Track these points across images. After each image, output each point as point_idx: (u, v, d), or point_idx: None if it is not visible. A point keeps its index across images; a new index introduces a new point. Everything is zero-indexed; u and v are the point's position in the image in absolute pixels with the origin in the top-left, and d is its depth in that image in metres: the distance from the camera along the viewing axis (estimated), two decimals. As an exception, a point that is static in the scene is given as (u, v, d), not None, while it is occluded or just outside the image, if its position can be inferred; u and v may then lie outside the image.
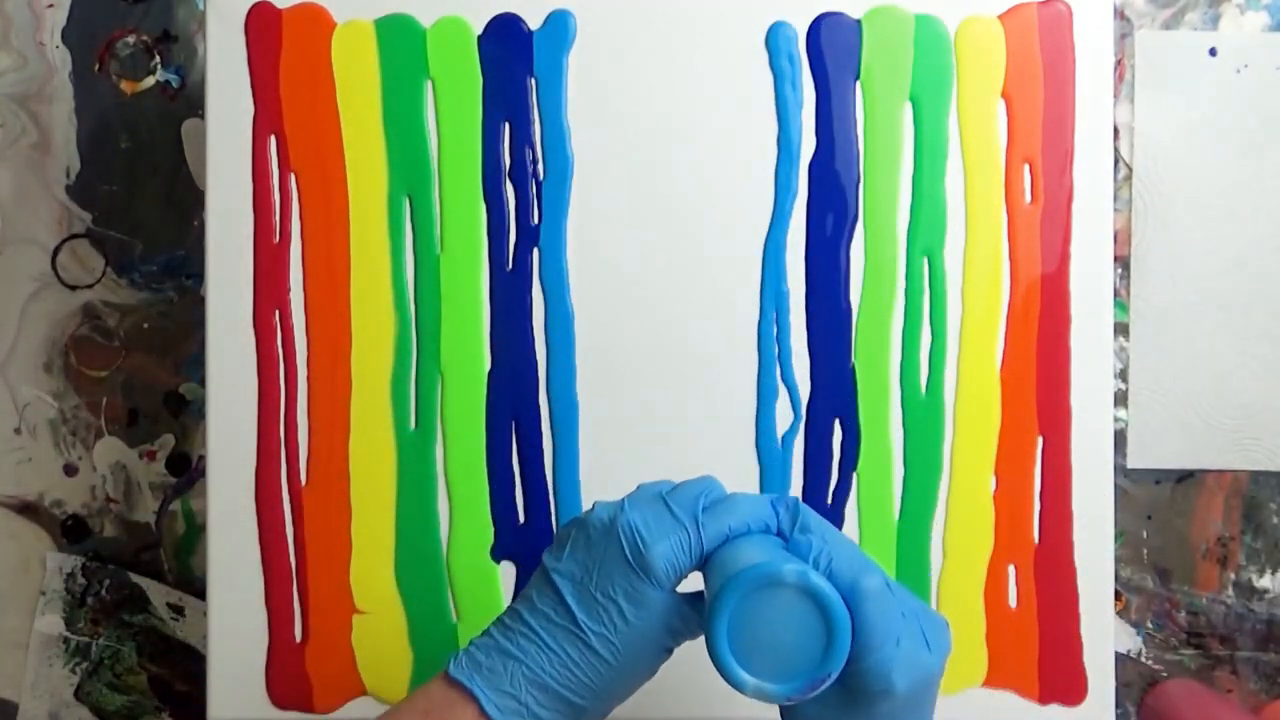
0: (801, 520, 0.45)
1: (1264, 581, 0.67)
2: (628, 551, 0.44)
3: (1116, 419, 0.64)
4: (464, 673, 0.45)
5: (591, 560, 0.44)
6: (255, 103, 0.60)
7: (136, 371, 0.68)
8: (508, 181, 0.60)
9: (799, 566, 0.41)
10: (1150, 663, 0.67)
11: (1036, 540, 0.60)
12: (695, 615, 0.45)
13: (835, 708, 0.43)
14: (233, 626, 0.59)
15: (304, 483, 0.60)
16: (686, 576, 0.45)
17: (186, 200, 0.67)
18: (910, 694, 0.42)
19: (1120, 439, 0.65)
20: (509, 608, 0.46)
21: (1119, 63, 0.66)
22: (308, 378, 0.60)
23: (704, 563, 0.45)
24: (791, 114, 0.60)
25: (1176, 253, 0.66)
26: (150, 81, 0.68)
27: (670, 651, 0.46)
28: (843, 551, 0.44)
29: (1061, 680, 0.59)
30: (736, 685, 0.41)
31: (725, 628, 0.41)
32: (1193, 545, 0.67)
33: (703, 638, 0.43)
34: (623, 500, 0.46)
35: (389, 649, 0.60)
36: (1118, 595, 0.65)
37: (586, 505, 0.60)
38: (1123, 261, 0.66)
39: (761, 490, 0.60)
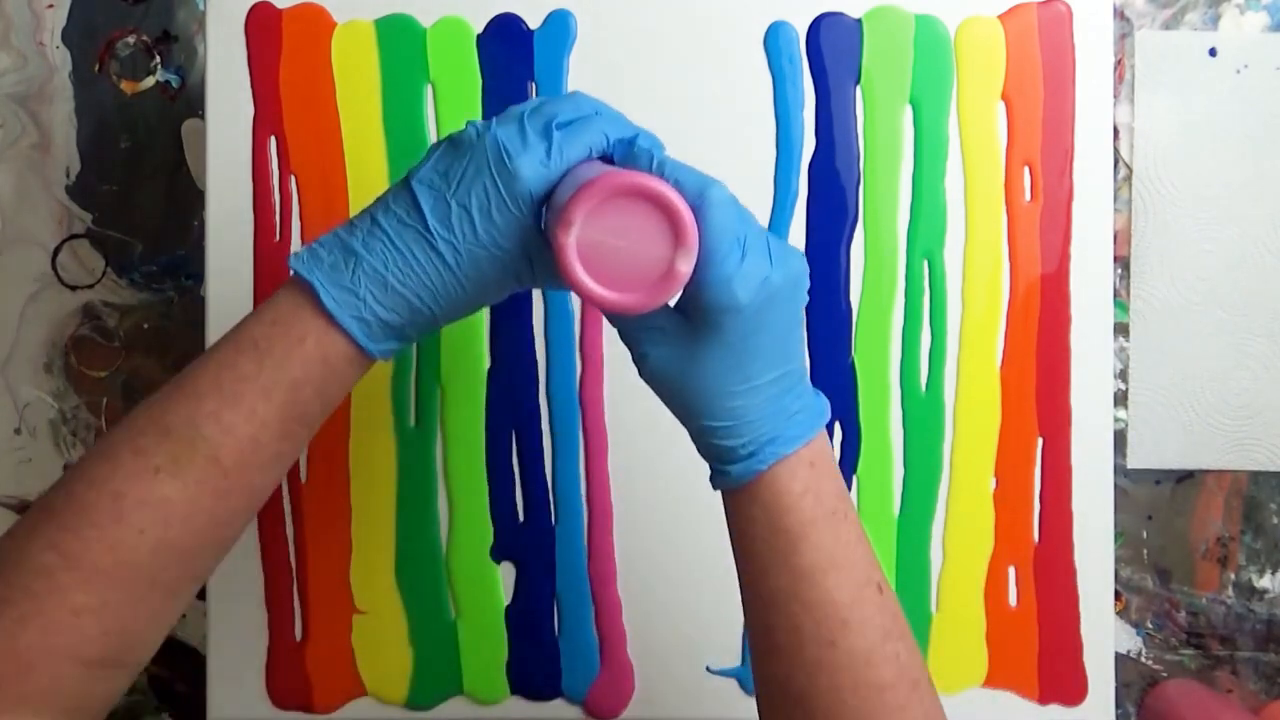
0: (653, 143, 0.44)
1: (1264, 581, 0.67)
2: (492, 163, 0.42)
3: (1116, 419, 0.64)
4: (304, 266, 0.44)
5: (454, 170, 0.43)
6: (255, 103, 0.60)
7: (136, 372, 0.68)
8: (508, 181, 0.60)
9: (645, 174, 0.41)
10: (1150, 663, 0.67)
11: (1036, 540, 0.60)
12: (548, 246, 0.43)
13: (683, 340, 0.42)
14: (233, 626, 0.59)
15: (303, 482, 0.60)
16: (544, 197, 0.43)
17: (186, 200, 0.67)
18: (754, 309, 0.41)
19: (1120, 439, 0.65)
20: (360, 212, 0.45)
21: (1119, 63, 0.66)
22: (308, 378, 0.60)
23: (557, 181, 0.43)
24: (792, 114, 0.60)
25: (1176, 253, 0.66)
26: (150, 81, 0.68)
27: (519, 282, 0.44)
28: (689, 170, 0.42)
29: (1061, 680, 0.60)
30: (587, 297, 0.41)
31: (574, 240, 0.40)
32: (1193, 545, 0.67)
33: (552, 262, 0.42)
34: (492, 119, 0.44)
35: (389, 649, 0.60)
36: (1118, 595, 0.65)
37: (586, 504, 0.60)
38: (1123, 261, 0.66)
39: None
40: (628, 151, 0.43)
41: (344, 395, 0.45)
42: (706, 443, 0.44)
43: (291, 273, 0.44)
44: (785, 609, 0.43)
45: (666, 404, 0.45)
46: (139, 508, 0.42)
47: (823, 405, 0.45)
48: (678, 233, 0.40)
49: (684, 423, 0.45)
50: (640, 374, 0.44)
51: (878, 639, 0.43)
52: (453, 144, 0.44)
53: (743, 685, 0.60)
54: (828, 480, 0.44)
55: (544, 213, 0.44)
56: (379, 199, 0.45)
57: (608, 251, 0.40)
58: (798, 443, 0.43)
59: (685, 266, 0.40)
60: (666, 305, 0.43)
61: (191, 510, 0.43)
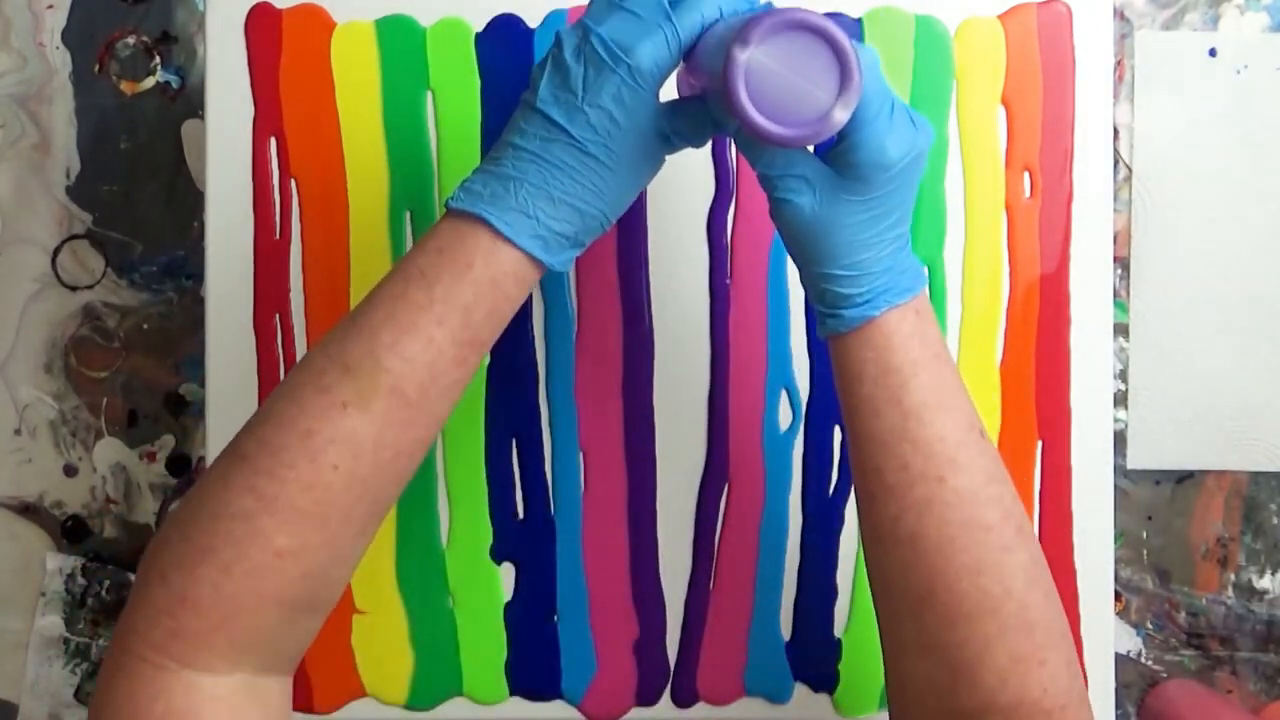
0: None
1: (1264, 582, 0.67)
2: (609, 61, 0.43)
3: (1116, 419, 0.64)
4: (465, 203, 0.45)
5: (572, 81, 0.44)
6: (255, 103, 0.60)
7: (136, 372, 0.68)
8: (508, 182, 0.60)
9: (823, 17, 0.41)
10: (1150, 663, 0.67)
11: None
12: (685, 114, 0.46)
13: (826, 191, 0.44)
14: (232, 627, 0.59)
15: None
16: (669, 76, 0.45)
17: (186, 200, 0.67)
18: (902, 167, 0.44)
19: (1120, 439, 0.65)
20: (495, 146, 0.46)
21: (1119, 63, 0.66)
22: (308, 378, 0.60)
23: (686, 55, 0.45)
24: (791, 114, 0.60)
25: (1176, 253, 0.66)
26: (150, 82, 0.68)
27: (663, 156, 0.47)
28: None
29: (1061, 680, 0.59)
30: (752, 130, 0.41)
31: (746, 58, 0.41)
32: (1193, 546, 0.67)
33: (690, 121, 0.45)
34: (581, 20, 0.45)
35: (389, 649, 0.60)
36: (1118, 596, 0.65)
37: (587, 508, 0.60)
38: (1123, 261, 0.66)
39: (765, 491, 0.60)
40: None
41: (512, 315, 0.46)
42: (825, 289, 0.46)
43: (448, 210, 0.45)
44: (895, 449, 0.45)
45: (791, 247, 0.46)
46: (330, 445, 0.43)
47: (923, 268, 0.51)
48: (844, 78, 0.41)
49: (804, 267, 0.46)
50: (773, 218, 0.46)
51: (982, 480, 0.45)
52: (554, 63, 0.45)
53: (745, 685, 0.60)
54: (931, 328, 0.46)
55: (679, 74, 0.48)
56: (508, 131, 0.45)
57: (772, 80, 0.41)
58: (907, 295, 0.46)
59: (843, 114, 0.41)
60: (814, 156, 0.45)
61: (379, 443, 0.43)
